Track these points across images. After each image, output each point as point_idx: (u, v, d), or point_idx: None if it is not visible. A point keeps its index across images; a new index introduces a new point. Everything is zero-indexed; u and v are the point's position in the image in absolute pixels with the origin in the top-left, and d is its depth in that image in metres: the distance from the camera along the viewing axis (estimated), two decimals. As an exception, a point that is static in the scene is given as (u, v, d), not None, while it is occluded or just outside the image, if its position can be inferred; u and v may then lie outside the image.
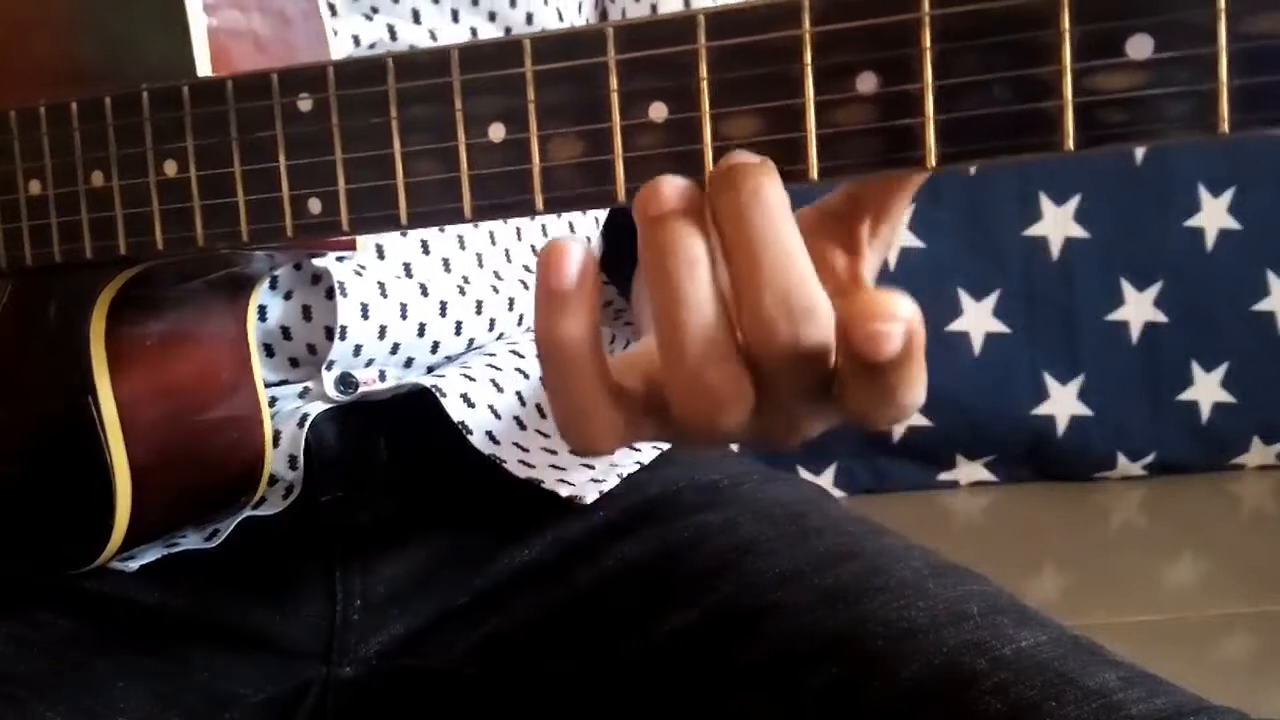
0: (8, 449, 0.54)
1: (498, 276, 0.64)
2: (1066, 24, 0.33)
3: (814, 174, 0.36)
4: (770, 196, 0.36)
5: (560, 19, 0.68)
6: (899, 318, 0.35)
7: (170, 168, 0.46)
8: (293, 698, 0.62)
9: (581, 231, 0.70)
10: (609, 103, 0.38)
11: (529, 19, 0.66)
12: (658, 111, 0.37)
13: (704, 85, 0.37)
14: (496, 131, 0.39)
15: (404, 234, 0.60)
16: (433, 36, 0.63)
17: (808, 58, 0.36)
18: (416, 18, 0.63)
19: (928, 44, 0.34)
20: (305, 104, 0.42)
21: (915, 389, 0.37)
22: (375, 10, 0.62)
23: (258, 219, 0.44)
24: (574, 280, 0.37)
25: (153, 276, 0.51)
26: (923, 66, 0.35)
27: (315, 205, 0.43)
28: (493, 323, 0.64)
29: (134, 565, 0.60)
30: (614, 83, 0.38)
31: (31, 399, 0.53)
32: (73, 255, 0.49)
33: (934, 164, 0.35)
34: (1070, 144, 0.33)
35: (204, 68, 0.47)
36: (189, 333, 0.54)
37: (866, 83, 0.35)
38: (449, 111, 0.40)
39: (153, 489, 0.52)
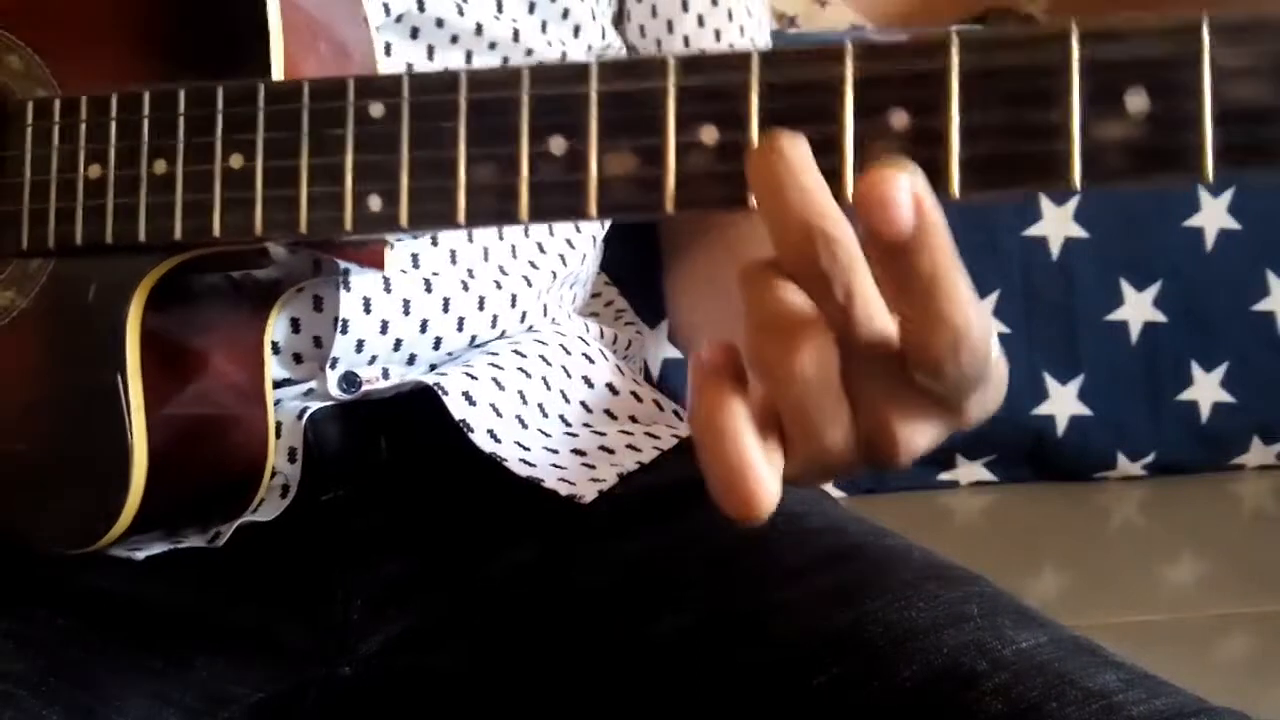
0: (32, 422, 0.55)
1: (502, 271, 0.64)
2: (1075, 78, 0.37)
3: (849, 195, 0.39)
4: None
5: None
6: (899, 178, 0.36)
7: (236, 160, 0.47)
8: (292, 697, 0.61)
9: (587, 231, 0.70)
10: (665, 123, 0.40)
11: None
12: (709, 134, 0.40)
13: (754, 112, 0.39)
14: (557, 143, 0.42)
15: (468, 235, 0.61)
16: (459, 11, 0.63)
17: (848, 92, 0.39)
18: None
19: (954, 89, 0.38)
20: (376, 109, 0.45)
21: (956, 296, 0.37)
22: None
23: (318, 210, 0.46)
24: (720, 364, 0.39)
25: (190, 273, 0.52)
26: (948, 109, 0.38)
27: (375, 202, 0.45)
28: (495, 319, 0.64)
29: (140, 555, 0.60)
30: (671, 105, 0.40)
31: (61, 375, 0.54)
32: (125, 237, 0.50)
33: (957, 194, 0.38)
34: (1077, 183, 0.37)
35: (278, 66, 0.50)
36: (215, 332, 0.56)
37: (899, 119, 0.38)
38: (514, 121, 0.42)
39: (166, 474, 0.53)
